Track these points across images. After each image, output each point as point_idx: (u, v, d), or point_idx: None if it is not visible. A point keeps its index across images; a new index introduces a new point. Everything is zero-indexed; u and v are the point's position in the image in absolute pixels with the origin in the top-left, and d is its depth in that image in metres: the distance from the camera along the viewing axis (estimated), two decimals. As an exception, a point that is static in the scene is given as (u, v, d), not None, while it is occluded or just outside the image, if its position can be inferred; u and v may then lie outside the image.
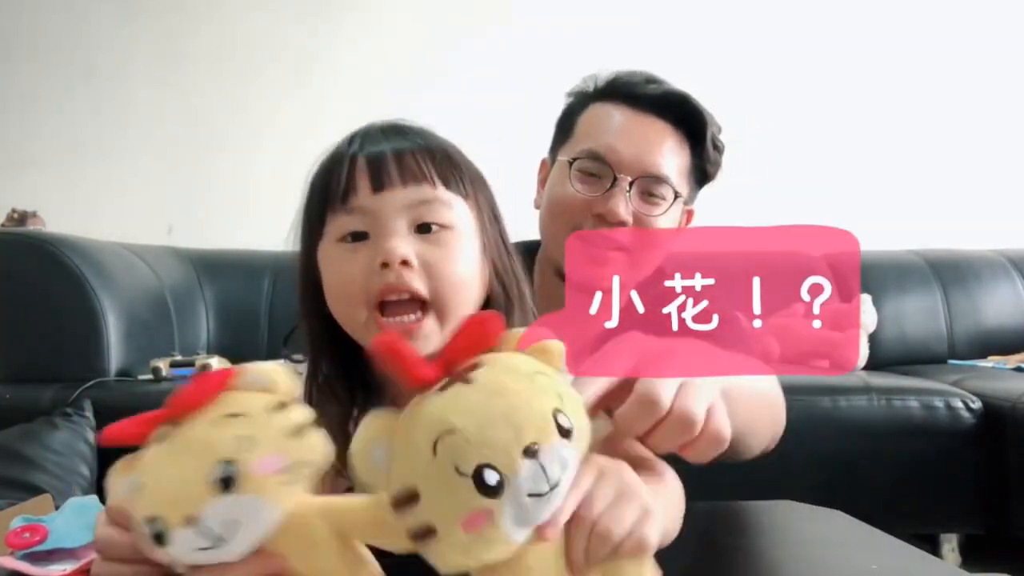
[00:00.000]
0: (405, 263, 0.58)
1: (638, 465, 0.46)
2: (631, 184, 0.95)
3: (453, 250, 0.60)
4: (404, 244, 0.58)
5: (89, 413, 1.47)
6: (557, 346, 0.42)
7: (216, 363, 1.68)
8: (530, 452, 0.36)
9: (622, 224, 0.95)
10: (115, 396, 1.52)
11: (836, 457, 1.58)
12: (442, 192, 0.61)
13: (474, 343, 0.41)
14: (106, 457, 1.48)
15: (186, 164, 2.75)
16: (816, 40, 2.84)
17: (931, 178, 2.81)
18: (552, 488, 0.37)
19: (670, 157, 0.98)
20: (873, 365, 1.97)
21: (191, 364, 1.66)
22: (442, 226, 0.60)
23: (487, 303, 0.63)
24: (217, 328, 2.06)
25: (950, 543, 1.77)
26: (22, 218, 2.26)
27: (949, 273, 2.36)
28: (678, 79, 1.03)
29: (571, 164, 0.97)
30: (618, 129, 0.98)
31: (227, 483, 0.37)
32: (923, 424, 1.60)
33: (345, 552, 0.40)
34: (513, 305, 0.63)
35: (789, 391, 1.57)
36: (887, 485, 1.60)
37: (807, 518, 0.79)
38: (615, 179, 0.95)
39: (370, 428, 0.40)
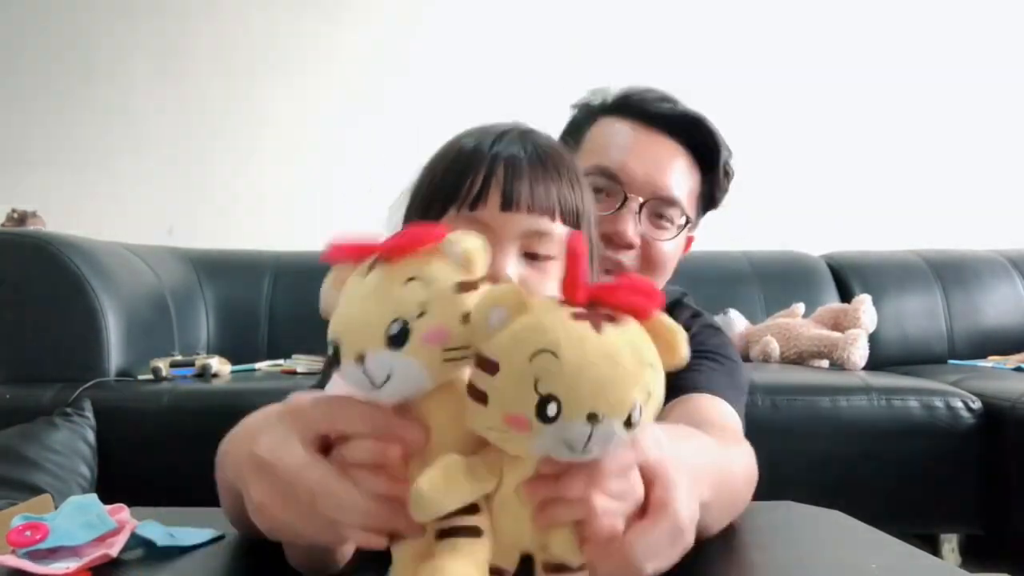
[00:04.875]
0: None
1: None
2: (641, 205, 0.93)
3: (551, 279, 0.64)
4: (512, 266, 0.62)
5: (89, 413, 1.47)
6: (682, 345, 0.43)
7: (216, 363, 1.68)
8: (593, 418, 0.38)
9: (629, 247, 0.93)
10: (115, 396, 1.52)
11: (836, 457, 1.58)
12: (558, 225, 0.64)
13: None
14: (106, 457, 1.47)
15: (186, 164, 2.76)
16: (819, 40, 2.84)
17: (931, 178, 2.82)
18: (609, 445, 0.40)
19: (681, 179, 0.95)
20: (873, 365, 1.97)
21: (191, 364, 1.66)
22: (548, 257, 0.64)
23: None
24: (217, 328, 2.06)
25: (950, 543, 1.77)
26: (22, 218, 2.26)
27: (949, 273, 2.36)
28: (679, 85, 1.02)
29: None
30: (629, 146, 0.95)
31: (395, 340, 0.41)
32: (923, 424, 1.60)
33: (473, 440, 0.43)
34: None
35: (789, 391, 1.59)
36: (887, 485, 1.60)
37: (807, 518, 0.79)
38: (625, 199, 0.93)
39: (504, 293, 0.42)
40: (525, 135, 0.67)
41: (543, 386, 0.38)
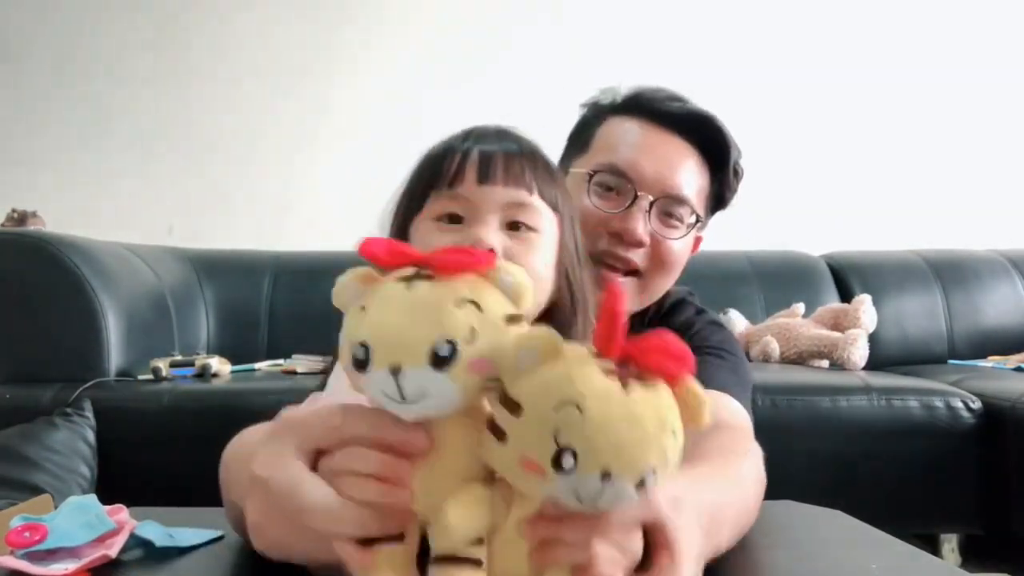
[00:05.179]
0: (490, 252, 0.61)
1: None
2: (651, 204, 0.93)
3: (534, 249, 0.65)
4: (493, 235, 0.63)
5: (89, 413, 1.46)
6: (705, 415, 0.42)
7: (216, 363, 1.68)
8: (607, 476, 0.39)
9: (639, 244, 0.93)
10: (115, 396, 1.52)
11: (836, 457, 1.58)
12: (537, 199, 0.66)
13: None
14: (106, 457, 1.47)
15: (186, 164, 2.76)
16: (819, 40, 2.84)
17: (931, 178, 2.82)
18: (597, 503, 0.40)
19: (691, 178, 0.95)
20: (873, 365, 1.97)
21: (191, 364, 1.66)
22: (530, 228, 0.65)
23: (552, 310, 0.67)
24: (217, 328, 2.06)
25: (950, 543, 1.77)
26: (22, 218, 2.26)
27: (949, 273, 2.36)
28: (679, 85, 1.02)
29: (590, 177, 0.94)
30: (640, 144, 0.94)
31: (442, 360, 0.40)
32: (923, 424, 1.60)
33: (482, 467, 0.43)
34: (577, 315, 0.67)
35: (789, 391, 1.59)
36: (887, 485, 1.60)
37: (807, 518, 0.79)
38: (635, 196, 0.92)
39: (541, 337, 0.41)
40: (501, 133, 0.70)
41: (563, 437, 0.38)
